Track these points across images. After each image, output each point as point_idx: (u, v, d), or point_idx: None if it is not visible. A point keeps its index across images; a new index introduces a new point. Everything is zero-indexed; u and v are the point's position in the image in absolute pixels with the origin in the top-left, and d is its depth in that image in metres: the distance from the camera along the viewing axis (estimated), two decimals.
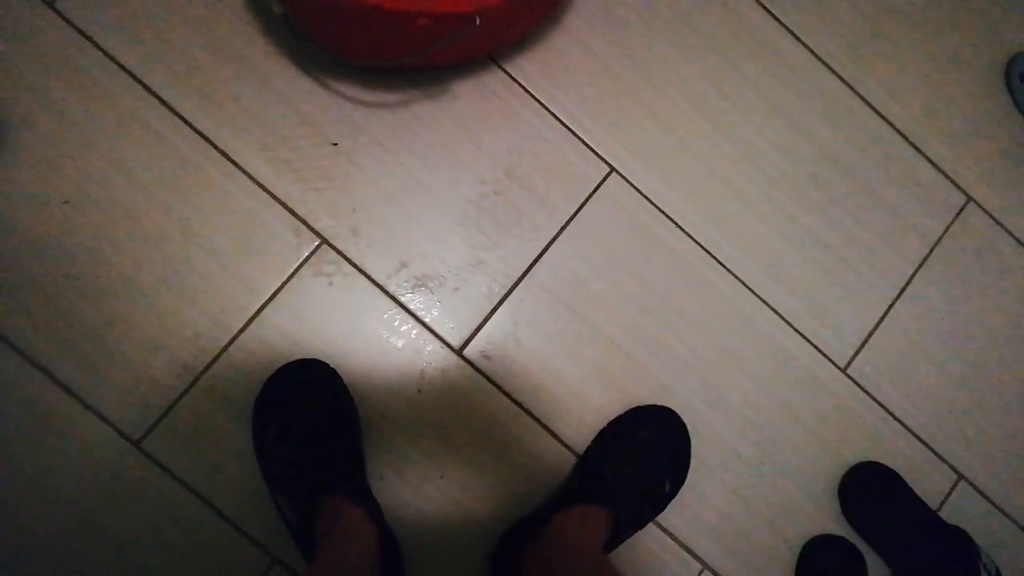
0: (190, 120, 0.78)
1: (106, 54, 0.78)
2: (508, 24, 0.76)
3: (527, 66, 0.86)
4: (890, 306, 0.92)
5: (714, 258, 0.88)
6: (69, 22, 0.78)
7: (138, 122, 0.78)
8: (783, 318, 0.88)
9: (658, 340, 0.85)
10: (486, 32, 0.75)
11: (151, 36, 0.79)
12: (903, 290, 0.92)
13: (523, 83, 0.86)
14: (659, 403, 0.83)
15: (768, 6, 0.92)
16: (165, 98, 0.78)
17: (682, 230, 0.87)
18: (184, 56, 0.79)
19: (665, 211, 0.87)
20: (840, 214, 0.91)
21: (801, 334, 0.89)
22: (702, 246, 0.87)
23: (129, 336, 0.75)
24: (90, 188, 0.76)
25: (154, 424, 0.74)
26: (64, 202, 0.75)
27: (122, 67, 0.78)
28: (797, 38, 0.93)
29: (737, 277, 0.88)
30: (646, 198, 0.87)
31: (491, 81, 0.85)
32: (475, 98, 0.84)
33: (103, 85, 0.77)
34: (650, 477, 0.77)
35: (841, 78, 0.93)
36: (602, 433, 0.81)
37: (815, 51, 0.93)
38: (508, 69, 0.85)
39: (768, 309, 0.88)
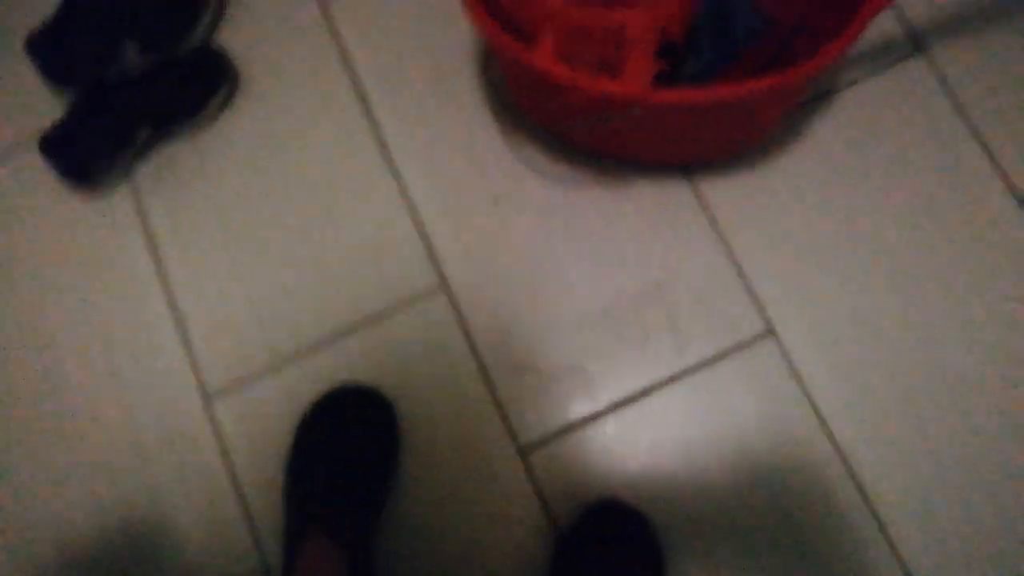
0: (381, 130, 0.82)
1: (342, 51, 0.85)
2: (693, 136, 0.69)
3: (720, 189, 0.78)
4: None
5: (855, 481, 0.71)
6: (331, 22, 0.86)
7: (333, 104, 0.83)
8: None
9: (745, 542, 0.71)
10: (670, 136, 0.70)
11: (387, 53, 0.85)
12: None
13: (708, 205, 0.78)
14: None
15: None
16: (371, 103, 0.83)
17: (826, 430, 0.72)
18: (400, 69, 0.84)
19: (814, 400, 0.73)
20: None
21: None
22: (846, 461, 0.72)
23: (247, 298, 0.80)
24: (278, 162, 0.83)
25: (228, 388, 0.78)
26: (252, 165, 0.83)
27: (349, 64, 0.85)
28: None
29: (877, 516, 0.70)
30: (798, 377, 0.73)
31: (676, 192, 0.78)
32: (651, 203, 0.78)
33: (324, 69, 0.85)
34: None
35: None
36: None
37: None
38: (698, 185, 0.78)
39: (899, 571, 0.69)
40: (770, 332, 0.75)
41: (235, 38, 0.87)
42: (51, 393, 0.79)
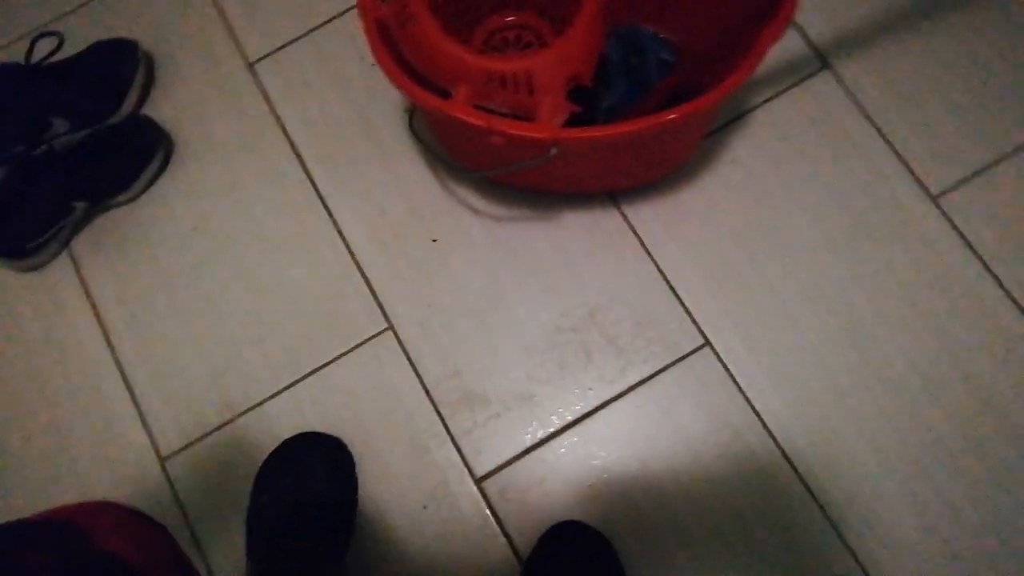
0: (317, 183, 0.85)
1: (273, 111, 0.87)
2: (613, 167, 0.73)
3: (646, 212, 0.82)
4: None
5: (799, 476, 0.74)
6: (260, 85, 0.89)
7: (269, 163, 0.86)
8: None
9: (702, 548, 0.73)
10: (592, 168, 0.73)
11: (316, 109, 0.87)
12: None
13: (636, 228, 0.81)
14: None
15: (946, 211, 0.80)
16: (305, 158, 0.86)
17: (768, 431, 0.76)
18: (333, 126, 0.86)
19: (754, 404, 0.76)
20: (984, 488, 0.74)
21: None
22: (788, 459, 0.75)
23: (197, 358, 0.81)
24: (218, 223, 0.85)
25: (182, 448, 0.78)
26: (192, 228, 0.84)
27: (280, 122, 0.87)
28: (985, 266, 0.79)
29: (821, 507, 0.74)
30: (736, 384, 0.77)
31: (604, 219, 0.82)
32: (582, 231, 0.82)
33: (257, 129, 0.87)
34: None
35: None
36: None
37: (1003, 283, 0.78)
38: (625, 211, 0.82)
39: (850, 557, 0.73)
40: (706, 343, 0.78)
41: (166, 104, 0.89)
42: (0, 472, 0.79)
